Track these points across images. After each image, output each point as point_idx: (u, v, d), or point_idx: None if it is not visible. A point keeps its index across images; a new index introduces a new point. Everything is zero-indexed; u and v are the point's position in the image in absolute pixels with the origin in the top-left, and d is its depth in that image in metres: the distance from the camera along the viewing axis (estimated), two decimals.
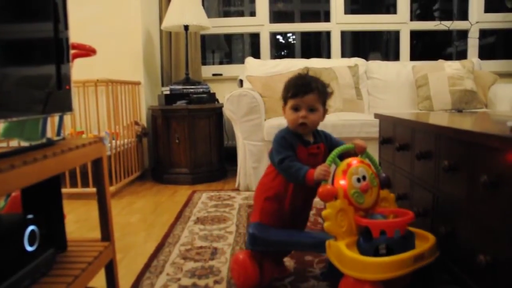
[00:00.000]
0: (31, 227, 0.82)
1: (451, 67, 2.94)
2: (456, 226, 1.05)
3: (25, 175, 0.69)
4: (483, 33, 3.71)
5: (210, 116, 2.92)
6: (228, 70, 3.59)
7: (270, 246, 1.24)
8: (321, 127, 1.28)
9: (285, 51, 7.21)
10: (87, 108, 2.67)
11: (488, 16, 3.49)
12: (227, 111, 2.57)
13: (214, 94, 3.04)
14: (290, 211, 1.25)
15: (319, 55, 3.40)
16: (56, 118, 1.08)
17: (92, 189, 2.40)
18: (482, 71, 3.10)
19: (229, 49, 5.42)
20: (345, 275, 1.05)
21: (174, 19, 2.90)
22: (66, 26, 0.91)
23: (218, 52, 4.58)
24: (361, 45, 6.43)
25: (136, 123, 2.93)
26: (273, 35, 5.32)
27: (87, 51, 1.24)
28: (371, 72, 3.17)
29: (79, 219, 2.06)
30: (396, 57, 3.75)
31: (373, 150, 1.78)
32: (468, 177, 0.98)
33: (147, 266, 1.46)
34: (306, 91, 1.20)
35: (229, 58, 5.55)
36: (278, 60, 3.21)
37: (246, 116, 2.51)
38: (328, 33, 3.66)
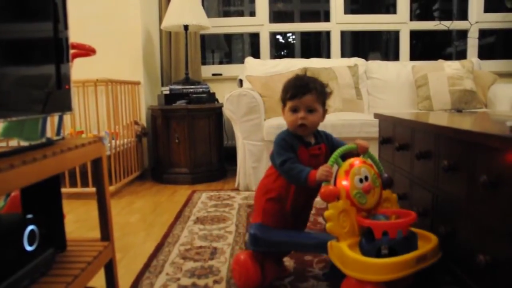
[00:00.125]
0: (30, 227, 0.82)
1: (450, 67, 2.94)
2: (455, 226, 1.05)
3: (24, 174, 0.69)
4: (483, 33, 3.71)
5: (210, 116, 2.92)
6: (227, 70, 3.59)
7: (271, 246, 1.24)
8: (320, 127, 1.27)
9: (285, 51, 7.22)
10: (86, 108, 2.66)
11: (487, 16, 3.49)
12: (226, 111, 2.57)
13: (213, 94, 3.04)
14: (292, 212, 1.25)
15: (318, 55, 3.40)
16: (55, 117, 1.08)
17: (91, 189, 2.40)
18: (481, 71, 3.10)
19: (229, 49, 5.42)
20: (347, 276, 1.05)
21: (173, 19, 2.90)
22: (65, 26, 0.91)
23: (217, 52, 4.58)
24: (361, 45, 6.43)
25: (136, 123, 2.93)
26: (273, 35, 5.32)
27: (87, 51, 1.24)
28: (370, 72, 3.17)
29: (78, 219, 2.06)
30: (396, 57, 3.75)
31: (373, 150, 1.78)
32: (467, 177, 0.98)
33: (146, 266, 1.46)
34: (304, 92, 1.19)
35: (229, 58, 5.55)
36: (277, 60, 3.21)
37: (245, 116, 2.51)
38: (328, 33, 3.66)
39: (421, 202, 1.29)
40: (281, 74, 2.85)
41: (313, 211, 2.03)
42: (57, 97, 0.89)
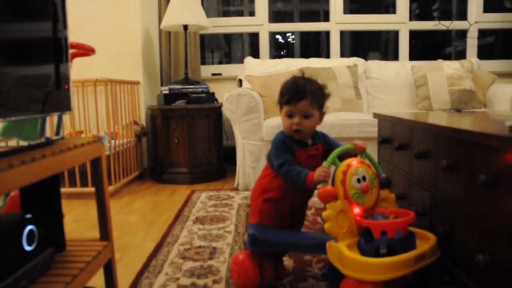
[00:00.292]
0: (29, 227, 0.82)
1: (450, 67, 2.94)
2: (454, 226, 1.05)
3: (23, 174, 0.69)
4: (482, 33, 3.71)
5: (209, 115, 2.92)
6: (227, 69, 3.59)
7: (270, 246, 1.24)
8: (319, 127, 1.27)
9: (285, 50, 7.22)
10: (86, 107, 2.66)
11: (487, 16, 3.49)
12: (226, 111, 2.57)
13: (213, 93, 3.04)
14: (289, 212, 1.25)
15: (318, 55, 3.40)
16: (55, 117, 1.08)
17: (91, 189, 2.40)
18: (481, 71, 3.11)
19: (228, 48, 5.42)
20: (346, 276, 1.05)
21: (173, 18, 2.90)
22: (65, 26, 0.91)
23: (217, 51, 4.58)
24: (360, 44, 6.44)
25: (135, 123, 2.93)
26: (273, 34, 5.33)
27: (86, 51, 1.24)
28: (370, 72, 3.17)
29: (78, 219, 2.06)
30: (395, 57, 3.76)
31: (372, 150, 1.78)
32: (466, 177, 0.98)
33: (146, 265, 1.46)
34: (299, 98, 1.18)
35: (228, 57, 5.55)
36: (277, 60, 3.21)
37: (245, 116, 2.51)
38: (327, 33, 3.66)
39: (420, 202, 1.29)
40: (280, 74, 2.85)
41: (312, 211, 2.04)
42: (56, 96, 0.89)
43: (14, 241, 0.79)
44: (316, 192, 1.16)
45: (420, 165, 1.29)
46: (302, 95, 1.18)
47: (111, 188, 2.47)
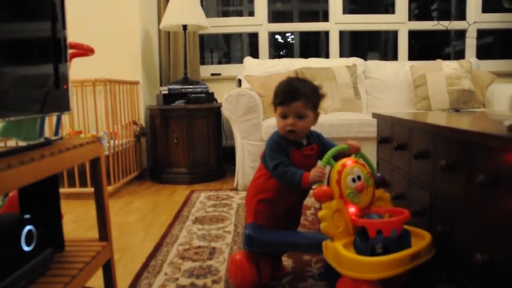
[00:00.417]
0: (28, 227, 0.82)
1: (449, 67, 2.95)
2: (453, 226, 1.05)
3: (22, 174, 0.68)
4: (481, 33, 3.71)
5: (209, 115, 2.92)
6: (226, 69, 3.59)
7: (266, 246, 1.24)
8: (318, 127, 1.28)
9: (284, 50, 7.23)
10: (85, 107, 2.66)
11: (485, 16, 3.50)
12: (225, 111, 2.57)
13: (212, 93, 3.04)
14: (284, 212, 1.25)
15: (317, 55, 3.40)
16: (54, 117, 1.08)
17: (90, 189, 2.40)
18: (479, 71, 3.11)
19: (228, 48, 5.42)
20: (342, 276, 1.05)
21: (172, 18, 2.90)
22: (64, 26, 0.91)
23: (216, 51, 4.58)
24: (360, 44, 6.45)
25: (135, 123, 2.92)
26: (272, 34, 5.33)
27: (85, 51, 1.24)
28: (369, 71, 3.17)
29: (76, 219, 2.06)
30: (394, 56, 3.76)
31: (371, 150, 1.79)
32: (465, 177, 0.98)
33: (145, 266, 1.46)
34: (293, 99, 1.18)
35: (228, 57, 5.55)
36: (276, 60, 3.21)
37: (244, 116, 2.51)
38: (326, 33, 3.66)
39: (419, 201, 1.29)
40: (280, 74, 2.85)
41: (311, 211, 2.04)
42: (55, 97, 0.89)
43: (13, 241, 0.79)
44: (311, 192, 1.16)
45: (419, 165, 1.29)
46: (296, 96, 1.19)
47: (110, 188, 2.47)
